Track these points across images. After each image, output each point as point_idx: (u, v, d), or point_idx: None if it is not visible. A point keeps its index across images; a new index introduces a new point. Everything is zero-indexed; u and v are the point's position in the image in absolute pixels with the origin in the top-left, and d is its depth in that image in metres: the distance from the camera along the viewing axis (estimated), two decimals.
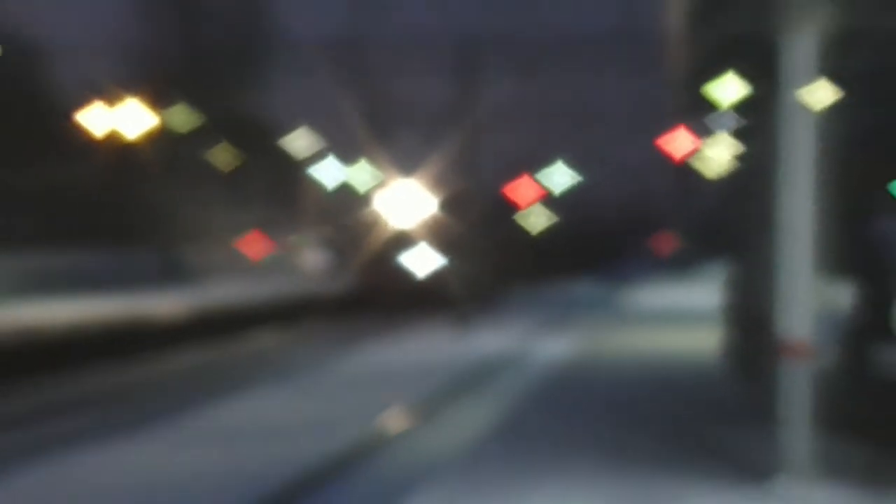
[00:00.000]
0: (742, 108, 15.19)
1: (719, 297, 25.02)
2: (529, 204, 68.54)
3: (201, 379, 22.56)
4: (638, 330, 25.26)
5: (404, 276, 37.52)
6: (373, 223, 39.00)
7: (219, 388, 20.98)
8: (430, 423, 17.47)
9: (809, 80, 8.80)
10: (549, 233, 72.34)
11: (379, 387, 21.40)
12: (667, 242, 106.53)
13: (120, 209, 47.23)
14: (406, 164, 41.92)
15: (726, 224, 25.05)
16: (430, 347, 28.98)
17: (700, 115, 22.25)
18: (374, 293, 38.17)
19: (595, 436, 11.30)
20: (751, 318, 11.95)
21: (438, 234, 37.60)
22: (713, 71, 14.36)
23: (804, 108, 8.74)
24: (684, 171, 52.16)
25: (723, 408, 12.76)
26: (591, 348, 21.93)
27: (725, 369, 16.21)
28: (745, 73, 13.48)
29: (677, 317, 28.55)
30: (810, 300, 8.90)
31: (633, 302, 40.48)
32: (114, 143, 43.41)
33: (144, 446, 15.82)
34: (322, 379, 22.90)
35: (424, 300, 36.74)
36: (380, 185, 41.37)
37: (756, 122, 12.53)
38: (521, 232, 61.88)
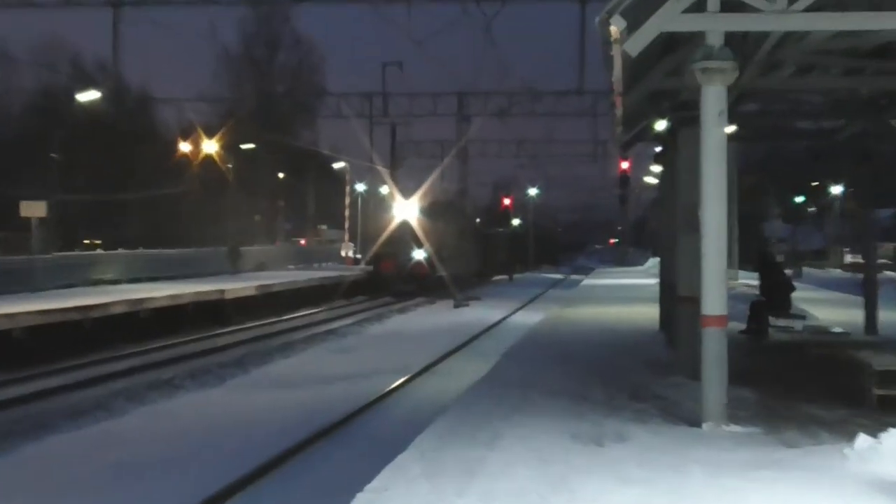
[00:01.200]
0: (665, 140, 15.06)
1: (649, 282, 24.89)
2: (511, 209, 68.84)
3: (270, 340, 22.43)
4: (589, 305, 25.08)
5: (406, 265, 37.77)
6: (387, 224, 39.13)
7: (282, 348, 20.87)
8: (435, 373, 17.38)
9: (719, 120, 8.66)
10: (521, 233, 72.32)
11: (397, 345, 21.38)
12: (610, 242, 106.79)
13: (204, 216, 47.29)
14: (411, 183, 42.24)
15: (657, 227, 24.93)
16: (431, 318, 28.88)
17: (635, 145, 22.17)
18: (385, 278, 38.20)
19: (558, 384, 11.15)
20: (678, 298, 11.76)
21: (429, 233, 37.82)
22: (643, 115, 14.27)
23: (718, 141, 8.60)
24: (625, 183, 52.02)
25: (657, 365, 12.58)
26: (554, 317, 21.77)
27: (660, 336, 16.05)
28: (666, 116, 13.36)
29: (619, 296, 28.41)
30: (724, 284, 8.73)
31: (586, 284, 40.29)
32: (203, 168, 43.39)
33: (225, 391, 15.76)
34: (355, 340, 22.82)
35: (420, 284, 36.91)
36: (392, 197, 41.41)
37: (676, 150, 12.40)
38: (503, 231, 61.59)
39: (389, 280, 37.85)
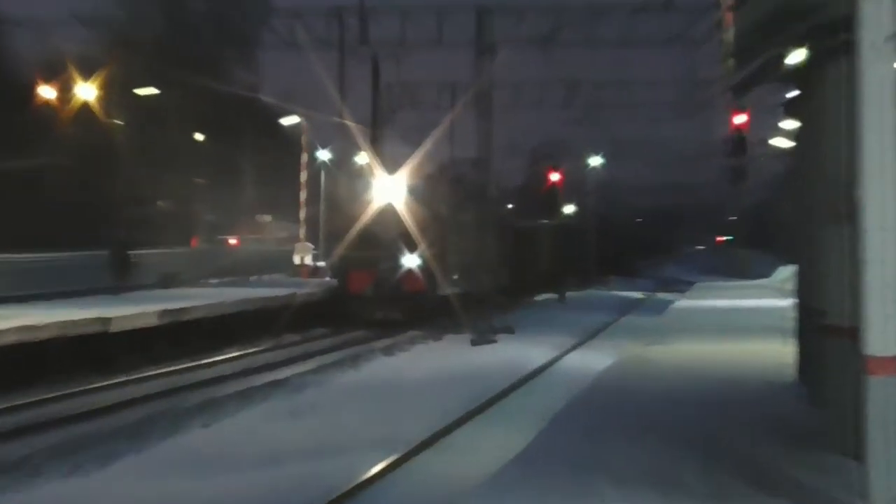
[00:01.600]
0: (803, 80, 14.98)
1: (780, 304, 24.64)
2: (560, 190, 68.83)
3: (182, 397, 22.53)
4: (685, 341, 25.10)
5: (391, 277, 37.47)
6: (361, 212, 38.51)
7: (200, 409, 20.91)
8: (442, 449, 17.37)
9: (886, 49, 8.60)
10: (577, 227, 72.35)
11: (382, 403, 21.43)
12: (717, 241, 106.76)
13: (77, 203, 47.40)
14: (402, 149, 42.21)
15: (790, 218, 24.73)
16: (434, 361, 28.91)
17: (754, 89, 22.07)
18: (356, 298, 37.86)
19: (637, 467, 11.17)
20: (825, 328, 11.75)
21: (428, 227, 37.53)
22: (767, 40, 14.20)
23: (884, 80, 8.54)
24: (740, 149, 51.50)
25: (793, 435, 12.58)
26: (631, 361, 21.82)
27: (797, 389, 16.06)
28: (803, 43, 13.30)
29: (732, 326, 28.41)
30: None
31: (680, 307, 40.27)
32: (77, 126, 43.35)
33: (111, 477, 15.73)
34: (315, 396, 22.88)
35: (413, 308, 36.89)
36: (372, 171, 41.11)
37: (820, 96, 12.34)
38: (548, 224, 61.68)
39: (363, 302, 37.54)
